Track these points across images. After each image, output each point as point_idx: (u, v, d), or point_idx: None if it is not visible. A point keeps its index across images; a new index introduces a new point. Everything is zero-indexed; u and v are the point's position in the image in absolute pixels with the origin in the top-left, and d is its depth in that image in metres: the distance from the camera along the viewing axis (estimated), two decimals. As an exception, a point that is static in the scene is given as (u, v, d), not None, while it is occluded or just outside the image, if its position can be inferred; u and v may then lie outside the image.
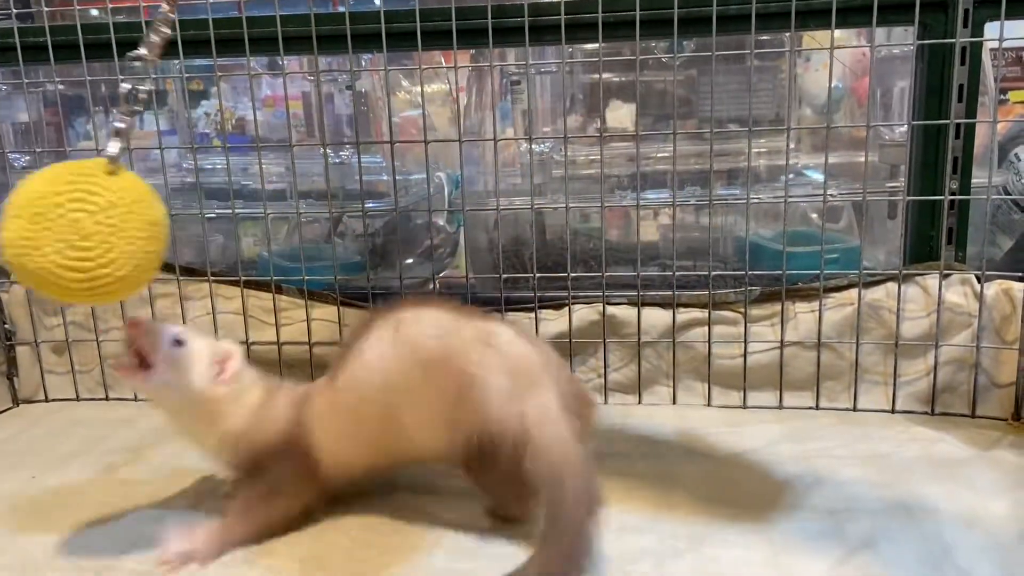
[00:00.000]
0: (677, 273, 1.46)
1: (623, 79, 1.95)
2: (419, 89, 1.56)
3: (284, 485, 1.06)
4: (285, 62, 1.49)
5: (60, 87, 1.61)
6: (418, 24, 1.40)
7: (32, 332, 1.61)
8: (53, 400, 1.63)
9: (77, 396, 1.63)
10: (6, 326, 1.60)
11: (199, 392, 1.04)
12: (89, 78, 1.50)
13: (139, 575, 1.00)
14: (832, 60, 1.41)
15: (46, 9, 1.47)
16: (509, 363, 1.00)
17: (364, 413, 1.05)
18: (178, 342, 1.03)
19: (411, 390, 1.02)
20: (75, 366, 1.62)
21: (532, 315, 1.51)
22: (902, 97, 1.78)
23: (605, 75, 1.51)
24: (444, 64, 1.85)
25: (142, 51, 1.01)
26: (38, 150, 1.59)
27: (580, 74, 1.95)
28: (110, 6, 1.48)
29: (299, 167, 1.55)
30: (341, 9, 1.46)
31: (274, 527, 1.06)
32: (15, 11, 1.53)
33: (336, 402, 1.07)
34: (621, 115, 2.03)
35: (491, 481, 1.04)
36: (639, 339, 1.49)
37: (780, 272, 1.44)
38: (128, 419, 1.50)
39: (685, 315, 1.49)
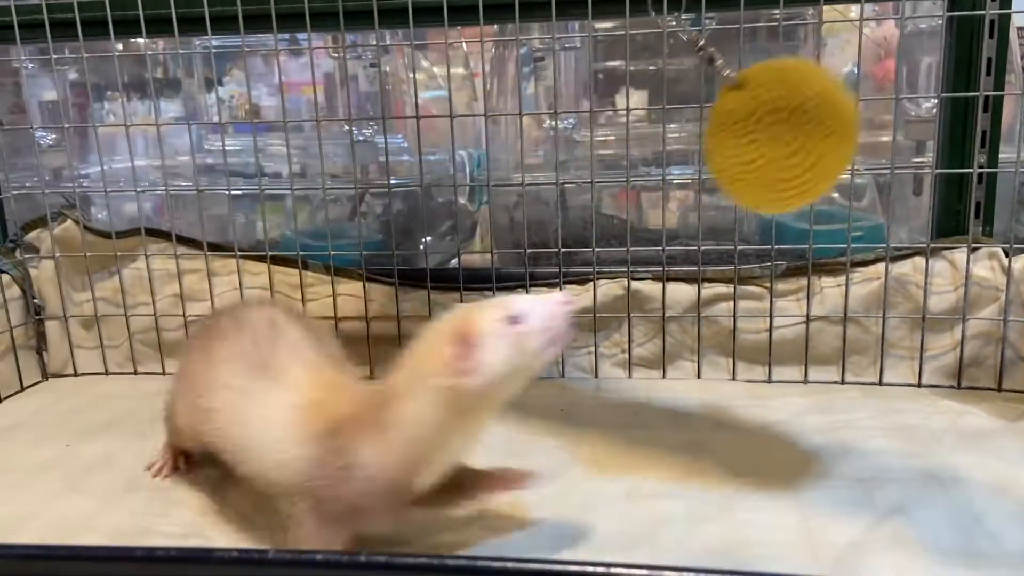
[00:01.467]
0: (702, 248, 1.46)
1: (638, 67, 1.95)
2: (437, 69, 1.57)
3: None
4: (311, 38, 1.49)
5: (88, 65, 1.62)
6: (445, -1, 1.40)
7: (61, 307, 1.63)
8: (82, 374, 1.65)
9: (106, 370, 1.65)
10: (35, 301, 1.62)
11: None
12: (118, 54, 1.51)
13: (175, 538, 1.02)
14: (861, 35, 1.40)
15: (74, -13, 1.48)
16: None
17: None
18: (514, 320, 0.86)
19: None
20: (104, 340, 1.64)
21: (556, 291, 1.51)
22: (928, 73, 1.77)
23: (620, 62, 1.51)
24: (465, 45, 1.86)
25: None
26: (66, 126, 1.61)
27: (596, 62, 1.95)
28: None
29: (316, 149, 1.56)
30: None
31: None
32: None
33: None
34: (634, 103, 2.03)
35: None
36: (663, 314, 1.50)
37: (805, 247, 1.44)
38: (157, 392, 1.50)
39: (710, 290, 1.49)
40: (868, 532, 0.98)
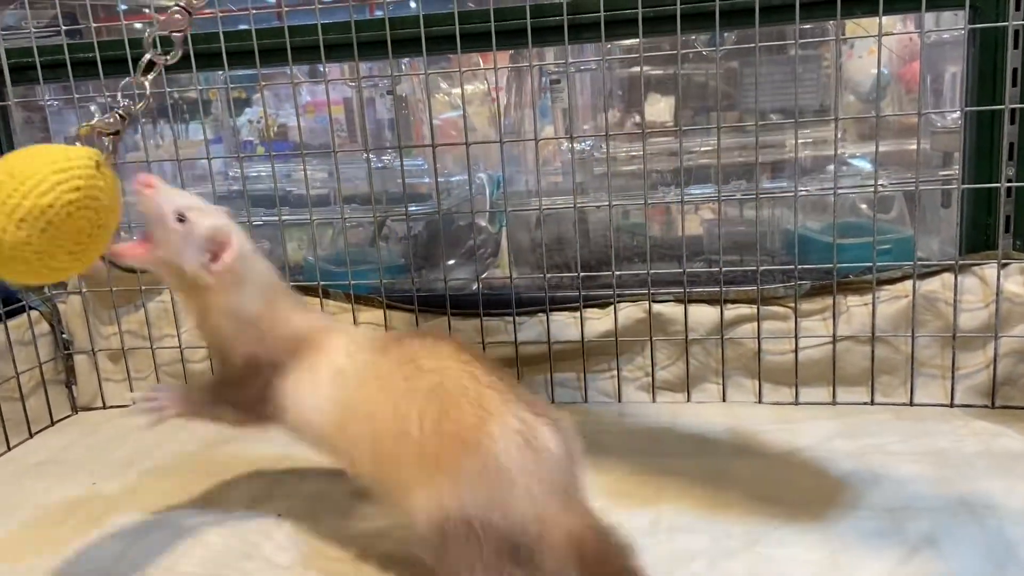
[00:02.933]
0: (724, 269, 1.44)
1: (662, 72, 1.93)
2: (457, 91, 1.57)
3: (245, 398, 1.04)
4: (326, 69, 1.50)
5: (111, 100, 1.64)
6: (457, 27, 1.40)
7: (89, 341, 1.65)
8: (111, 407, 1.67)
9: (134, 402, 1.66)
10: (63, 336, 1.65)
11: (189, 275, 1.01)
12: (138, 91, 1.53)
13: (198, 578, 1.02)
14: (880, 47, 1.37)
15: (93, 25, 1.51)
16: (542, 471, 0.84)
17: (359, 414, 0.95)
18: (180, 218, 1.00)
19: (411, 441, 0.87)
20: (131, 373, 1.66)
21: (577, 314, 1.50)
22: (953, 83, 1.73)
23: (644, 69, 1.50)
24: (483, 65, 1.86)
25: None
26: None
27: (618, 68, 1.94)
28: (156, 19, 1.51)
29: (342, 172, 1.56)
30: (379, 15, 1.47)
31: (231, 423, 1.10)
32: (64, 27, 1.56)
33: (347, 374, 0.98)
34: (660, 108, 2.01)
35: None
36: (687, 336, 1.48)
37: (830, 266, 1.41)
38: (182, 424, 1.52)
39: (733, 311, 1.47)
40: (898, 567, 0.95)
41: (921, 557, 0.97)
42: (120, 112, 0.99)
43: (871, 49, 1.94)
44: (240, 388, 1.04)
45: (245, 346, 1.03)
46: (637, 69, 1.55)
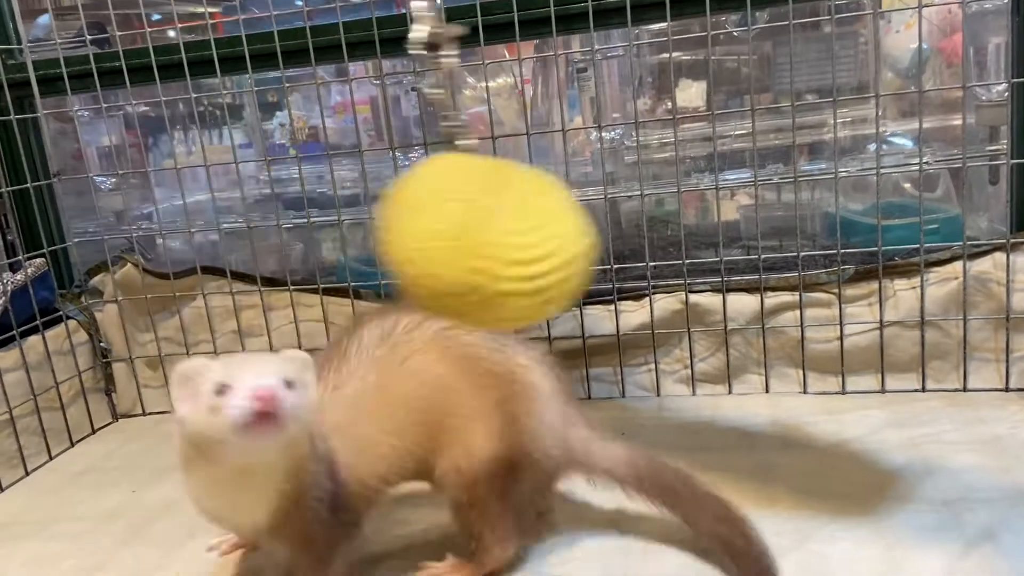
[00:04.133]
0: (763, 256, 1.40)
1: (693, 58, 1.88)
2: (484, 84, 1.54)
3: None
4: (351, 68, 1.49)
5: (139, 109, 1.65)
6: (479, 18, 1.38)
7: (127, 349, 1.66)
8: (150, 414, 1.68)
9: (172, 409, 1.66)
10: (102, 344, 1.66)
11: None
12: (165, 98, 1.53)
13: (236, 587, 1.01)
14: (920, 19, 1.32)
15: (119, 34, 1.51)
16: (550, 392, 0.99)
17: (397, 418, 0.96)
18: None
19: (461, 401, 0.96)
20: (168, 380, 1.66)
21: (611, 307, 1.47)
22: (998, 54, 1.66)
23: (674, 54, 1.46)
24: (508, 57, 1.83)
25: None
26: (120, 172, 1.64)
27: (648, 55, 1.89)
28: (179, 26, 1.51)
29: (371, 171, 1.55)
30: (403, 11, 1.45)
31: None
32: (89, 37, 1.57)
33: (358, 406, 0.95)
34: (692, 94, 1.96)
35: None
36: (726, 326, 1.44)
37: (875, 248, 1.36)
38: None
39: (774, 299, 1.42)
40: (957, 562, 0.91)
41: (980, 552, 0.92)
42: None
43: (908, 23, 1.88)
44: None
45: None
46: (666, 55, 1.52)
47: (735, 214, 1.91)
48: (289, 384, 0.80)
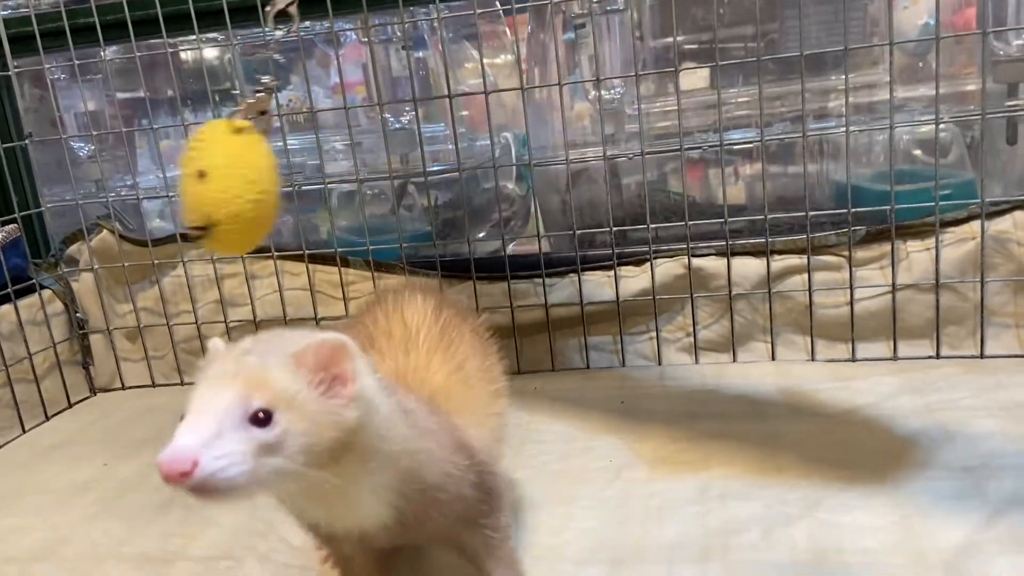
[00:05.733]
0: (769, 216, 1.33)
1: (697, 46, 1.80)
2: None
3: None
4: (341, 32, 1.41)
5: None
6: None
7: (104, 320, 1.59)
8: (130, 387, 1.61)
9: (153, 383, 1.61)
10: (78, 315, 1.59)
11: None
12: (139, 54, 1.46)
13: (203, 561, 0.95)
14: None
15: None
16: None
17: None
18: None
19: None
20: (148, 352, 1.60)
21: (611, 273, 1.40)
22: (1018, 9, 1.58)
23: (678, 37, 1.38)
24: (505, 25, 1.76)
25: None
26: (94, 133, 1.58)
27: (650, 41, 1.82)
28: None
29: (366, 143, 1.48)
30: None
31: None
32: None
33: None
34: (695, 80, 1.88)
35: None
36: (730, 291, 1.37)
37: (886, 212, 1.28)
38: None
39: (780, 262, 1.35)
40: (981, 531, 0.84)
41: (1007, 520, 0.85)
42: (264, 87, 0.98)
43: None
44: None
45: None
46: (668, 40, 1.45)
47: (740, 192, 1.83)
48: (261, 419, 0.59)
